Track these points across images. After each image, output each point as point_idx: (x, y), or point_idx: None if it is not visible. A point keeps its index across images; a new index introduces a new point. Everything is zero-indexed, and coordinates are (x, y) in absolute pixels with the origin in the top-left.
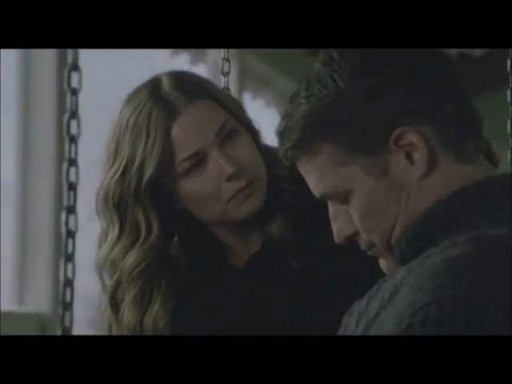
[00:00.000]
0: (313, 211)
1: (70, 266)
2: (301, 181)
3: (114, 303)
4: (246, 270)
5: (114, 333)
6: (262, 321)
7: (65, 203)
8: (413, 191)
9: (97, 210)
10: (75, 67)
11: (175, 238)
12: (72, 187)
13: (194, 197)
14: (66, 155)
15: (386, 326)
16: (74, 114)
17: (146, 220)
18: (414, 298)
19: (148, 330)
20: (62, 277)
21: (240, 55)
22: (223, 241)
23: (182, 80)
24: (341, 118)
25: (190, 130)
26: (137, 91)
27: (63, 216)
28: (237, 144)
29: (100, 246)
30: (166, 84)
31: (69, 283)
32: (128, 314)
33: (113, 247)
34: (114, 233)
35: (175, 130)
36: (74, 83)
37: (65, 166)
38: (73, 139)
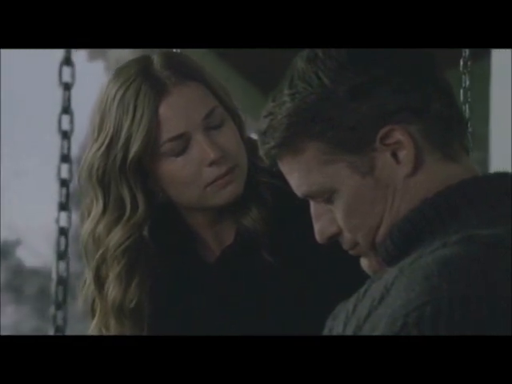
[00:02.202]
0: (289, 207)
1: (62, 263)
2: (280, 176)
3: (98, 279)
4: (217, 265)
5: (98, 309)
6: (233, 316)
7: (57, 200)
8: (398, 190)
9: (79, 184)
10: (68, 61)
11: (147, 226)
12: (64, 184)
13: (172, 179)
14: (59, 151)
15: (378, 327)
16: (67, 109)
17: (132, 197)
18: (407, 298)
19: (128, 309)
20: (54, 275)
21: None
22: (196, 231)
23: (173, 60)
24: (327, 115)
25: (178, 110)
26: (126, 67)
27: (55, 213)
28: (222, 131)
29: (82, 221)
30: (157, 62)
31: (62, 281)
32: (113, 291)
33: (97, 223)
34: (98, 208)
35: (163, 109)
36: (67, 78)
37: (57, 162)
38: (65, 135)
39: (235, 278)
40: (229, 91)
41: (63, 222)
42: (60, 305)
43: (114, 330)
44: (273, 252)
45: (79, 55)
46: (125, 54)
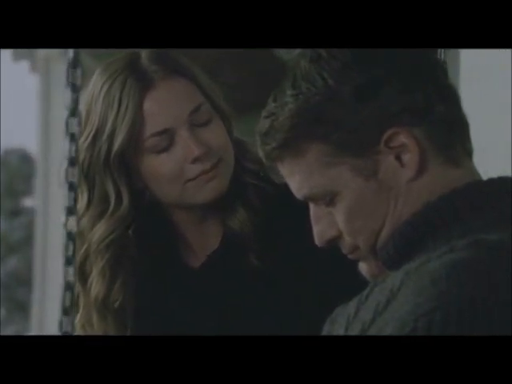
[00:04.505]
0: (277, 210)
1: (70, 269)
2: (268, 179)
3: (82, 275)
4: (203, 270)
5: (81, 305)
6: (218, 321)
7: (65, 204)
8: (401, 194)
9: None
10: (76, 64)
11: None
12: (72, 188)
13: (155, 175)
14: (66, 154)
15: (385, 332)
16: (74, 112)
17: (116, 191)
18: (415, 303)
19: (112, 306)
20: (61, 280)
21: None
22: (180, 232)
23: (162, 55)
24: (331, 116)
25: (164, 105)
26: (114, 61)
27: (63, 217)
28: (209, 128)
29: None
30: (145, 56)
31: (69, 287)
32: (96, 287)
33: (81, 217)
34: (82, 202)
35: (148, 104)
36: (75, 80)
37: (64, 165)
38: (73, 138)
39: (221, 282)
40: (219, 91)
41: (71, 227)
42: (67, 310)
43: (96, 326)
44: (259, 255)
45: (4, 55)
46: (53, 54)
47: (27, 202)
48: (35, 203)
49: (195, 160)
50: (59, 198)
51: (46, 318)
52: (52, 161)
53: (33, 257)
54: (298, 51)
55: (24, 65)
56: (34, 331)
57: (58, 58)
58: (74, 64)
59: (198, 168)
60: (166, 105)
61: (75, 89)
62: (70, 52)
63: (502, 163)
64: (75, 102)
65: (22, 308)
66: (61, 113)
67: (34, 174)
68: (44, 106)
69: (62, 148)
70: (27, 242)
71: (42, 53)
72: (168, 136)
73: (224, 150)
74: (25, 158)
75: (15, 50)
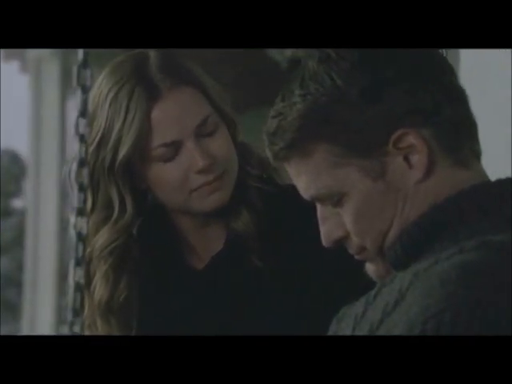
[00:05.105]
0: (280, 213)
1: (79, 270)
2: (271, 182)
3: (86, 277)
4: (206, 272)
5: (86, 309)
6: (224, 323)
7: (75, 205)
8: (409, 195)
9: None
10: (85, 64)
11: (134, 230)
12: (82, 189)
13: (159, 183)
14: (76, 155)
15: (394, 333)
16: (84, 113)
17: (120, 199)
18: (424, 304)
19: (115, 308)
20: (71, 281)
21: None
22: (183, 234)
23: (170, 62)
24: (339, 117)
25: (171, 117)
26: (120, 63)
27: (73, 218)
28: (214, 138)
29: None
30: (152, 63)
31: (79, 288)
32: (99, 290)
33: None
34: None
35: (156, 114)
36: (84, 80)
37: (74, 166)
38: (82, 138)
39: (225, 284)
40: (226, 95)
41: (81, 228)
42: (77, 312)
43: (101, 328)
44: (263, 257)
45: None
46: (44, 54)
47: (17, 203)
48: (26, 204)
49: (200, 171)
50: (50, 198)
51: (37, 319)
52: (43, 161)
53: (23, 257)
54: (290, 52)
55: (14, 65)
56: (24, 332)
57: (49, 59)
58: (84, 65)
59: (201, 179)
60: (173, 116)
61: (85, 90)
62: (80, 53)
63: (503, 164)
64: (85, 103)
65: (12, 309)
66: (52, 114)
67: (24, 175)
68: (35, 106)
69: (53, 149)
70: (18, 242)
71: (32, 53)
72: (175, 147)
73: (228, 160)
74: (15, 159)
75: (5, 49)
